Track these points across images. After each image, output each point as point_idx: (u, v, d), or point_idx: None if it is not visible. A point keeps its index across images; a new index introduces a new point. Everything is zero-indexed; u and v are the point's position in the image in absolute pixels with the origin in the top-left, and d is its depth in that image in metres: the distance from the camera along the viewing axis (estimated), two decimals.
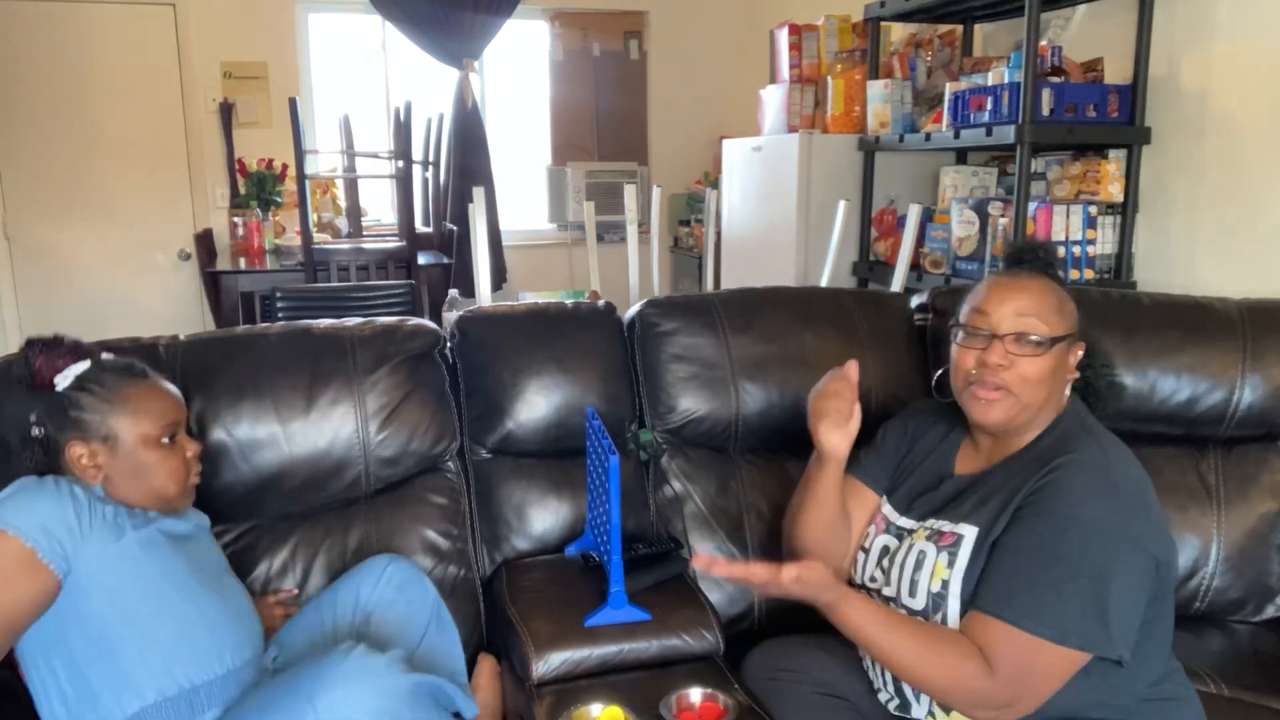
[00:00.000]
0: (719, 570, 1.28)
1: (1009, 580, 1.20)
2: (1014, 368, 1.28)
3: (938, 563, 1.29)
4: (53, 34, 4.57)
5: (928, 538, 1.33)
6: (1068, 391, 1.35)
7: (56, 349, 1.33)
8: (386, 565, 1.57)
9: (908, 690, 1.33)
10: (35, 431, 1.32)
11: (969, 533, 1.28)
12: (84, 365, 1.34)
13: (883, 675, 1.37)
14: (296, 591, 1.64)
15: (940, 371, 1.43)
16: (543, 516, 1.81)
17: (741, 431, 1.86)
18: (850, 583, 1.46)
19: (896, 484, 1.48)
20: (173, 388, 1.41)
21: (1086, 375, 1.39)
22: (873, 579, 1.41)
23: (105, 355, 1.38)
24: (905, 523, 1.41)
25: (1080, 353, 1.35)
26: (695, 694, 1.40)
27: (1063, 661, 1.17)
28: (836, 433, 1.39)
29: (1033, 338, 1.28)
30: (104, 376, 1.33)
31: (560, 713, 1.36)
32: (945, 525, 1.32)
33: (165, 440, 1.35)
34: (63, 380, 1.32)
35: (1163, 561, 1.23)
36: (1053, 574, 1.17)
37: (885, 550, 1.41)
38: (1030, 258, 1.39)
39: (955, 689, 1.20)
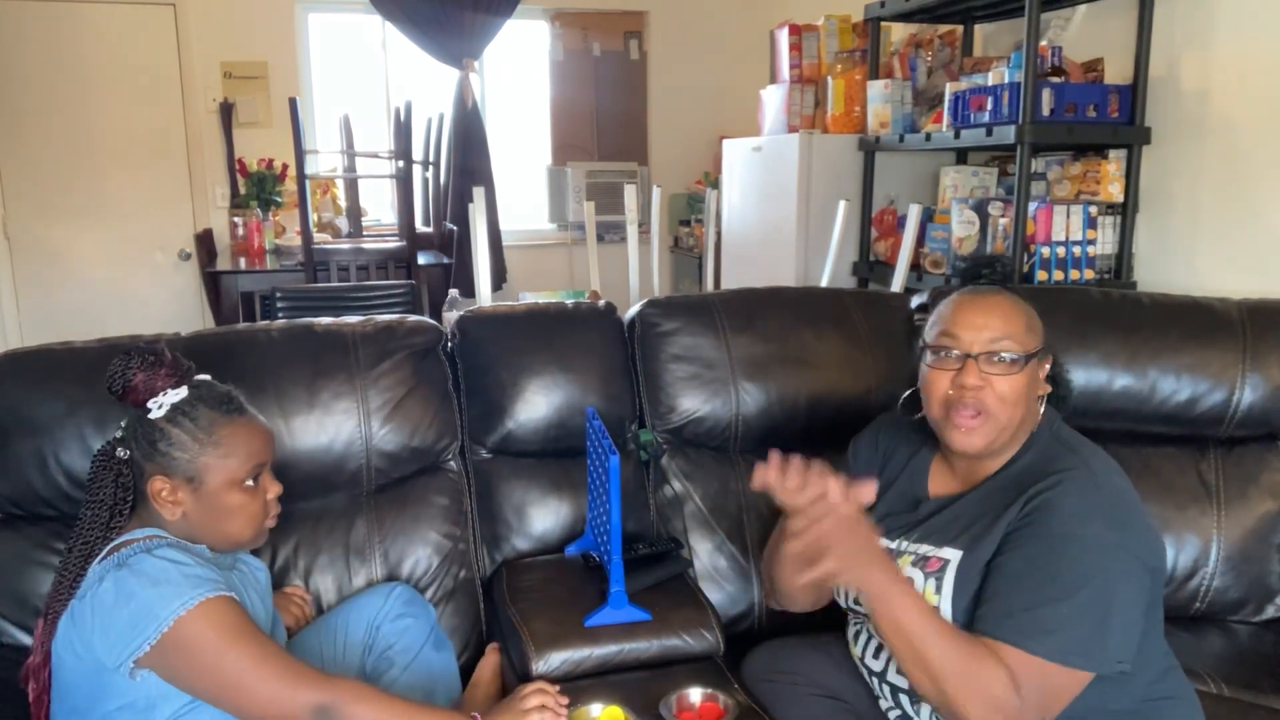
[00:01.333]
0: (786, 474, 1.20)
1: (1009, 603, 1.18)
2: (990, 387, 1.26)
3: (926, 589, 1.27)
4: (53, 34, 4.57)
5: (913, 564, 1.31)
6: (1042, 407, 1.33)
7: (158, 368, 1.26)
8: (394, 587, 1.59)
9: (906, 703, 1.32)
10: (121, 453, 1.27)
11: (954, 556, 1.27)
12: (181, 394, 1.27)
13: (881, 685, 1.37)
14: (306, 593, 1.64)
15: (909, 392, 1.41)
16: (543, 516, 1.81)
17: (741, 431, 1.86)
18: (835, 606, 1.45)
19: (872, 506, 1.44)
20: (265, 422, 1.36)
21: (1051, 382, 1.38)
22: (856, 602, 1.40)
23: (200, 377, 1.32)
24: (888, 545, 1.38)
25: (1048, 366, 1.35)
26: (695, 694, 1.40)
27: (1072, 680, 1.16)
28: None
29: (1006, 356, 1.27)
30: (199, 410, 1.27)
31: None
32: (929, 550, 1.31)
33: (250, 482, 1.30)
34: (157, 407, 1.26)
35: (1156, 570, 1.23)
36: (1053, 595, 1.16)
37: None
38: (988, 271, 1.38)
39: (987, 705, 1.14)
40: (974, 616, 1.22)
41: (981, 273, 1.38)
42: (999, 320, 1.28)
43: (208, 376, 1.34)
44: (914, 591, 1.22)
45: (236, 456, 1.28)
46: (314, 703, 1.18)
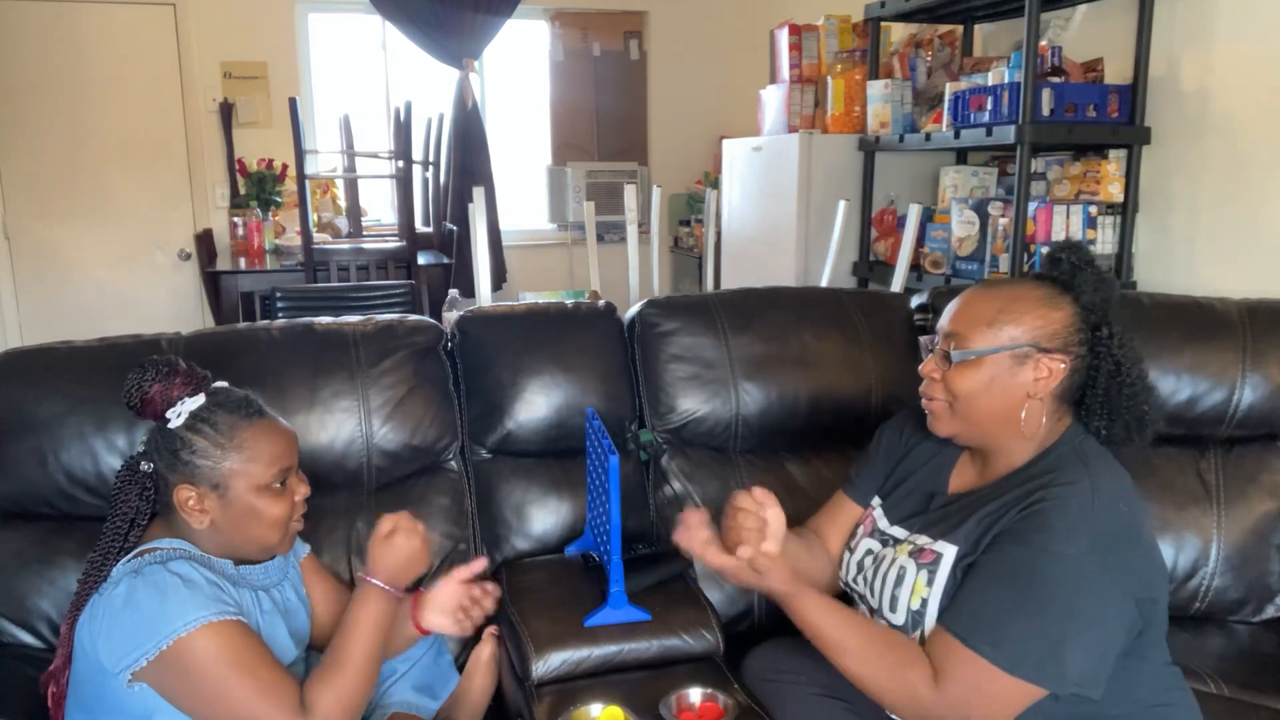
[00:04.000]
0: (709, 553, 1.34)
1: (975, 602, 1.19)
2: (943, 380, 1.31)
3: (918, 580, 1.28)
4: (53, 34, 4.57)
5: (910, 553, 1.31)
6: (1024, 414, 1.26)
7: (173, 378, 1.26)
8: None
9: None
10: (145, 466, 1.28)
11: (948, 551, 1.27)
12: (198, 401, 1.27)
13: None
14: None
15: None
16: (543, 516, 1.80)
17: (741, 431, 1.86)
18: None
19: (890, 489, 1.47)
20: (286, 424, 1.34)
21: (1093, 397, 1.29)
22: (855, 581, 1.41)
23: (218, 384, 1.31)
24: (894, 531, 1.39)
25: (1062, 365, 1.24)
26: (695, 694, 1.40)
27: (1015, 691, 1.14)
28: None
29: (952, 354, 1.29)
30: (217, 415, 1.26)
31: (560, 713, 1.36)
32: (926, 541, 1.31)
33: (277, 485, 1.29)
34: (176, 416, 1.25)
35: (1145, 599, 1.20)
36: (1019, 604, 1.15)
37: (869, 553, 1.40)
38: (1048, 264, 1.32)
39: (898, 694, 1.20)
40: (943, 609, 1.24)
41: (1056, 258, 1.31)
42: (959, 316, 1.31)
43: (225, 383, 1.33)
44: (816, 593, 1.29)
45: (260, 460, 1.27)
46: None
